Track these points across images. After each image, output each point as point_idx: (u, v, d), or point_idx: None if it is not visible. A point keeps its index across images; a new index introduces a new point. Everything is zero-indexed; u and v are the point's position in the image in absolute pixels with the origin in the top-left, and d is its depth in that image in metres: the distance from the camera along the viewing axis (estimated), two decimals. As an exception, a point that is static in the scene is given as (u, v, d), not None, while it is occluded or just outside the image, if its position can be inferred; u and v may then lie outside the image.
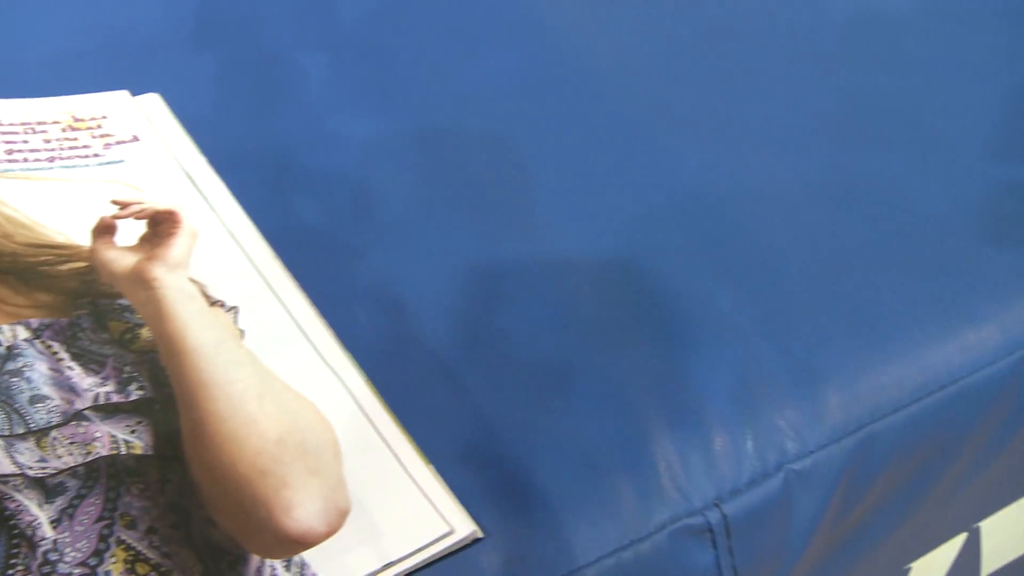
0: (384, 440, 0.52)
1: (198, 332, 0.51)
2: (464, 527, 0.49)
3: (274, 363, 0.54)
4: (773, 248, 0.63)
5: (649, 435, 0.54)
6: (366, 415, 0.53)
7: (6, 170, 0.63)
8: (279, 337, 0.56)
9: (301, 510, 0.46)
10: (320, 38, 0.77)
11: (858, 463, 0.55)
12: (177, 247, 0.55)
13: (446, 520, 0.49)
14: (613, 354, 0.57)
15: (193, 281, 0.55)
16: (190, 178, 0.65)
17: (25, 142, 0.66)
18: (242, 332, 0.56)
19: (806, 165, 0.68)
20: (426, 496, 0.50)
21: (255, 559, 0.46)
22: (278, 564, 0.47)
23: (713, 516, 0.52)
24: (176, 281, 0.54)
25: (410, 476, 0.50)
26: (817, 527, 0.54)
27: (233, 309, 0.57)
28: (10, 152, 0.64)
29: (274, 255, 0.61)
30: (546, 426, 0.53)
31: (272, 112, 0.71)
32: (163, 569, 0.45)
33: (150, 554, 0.46)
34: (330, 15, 0.79)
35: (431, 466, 0.51)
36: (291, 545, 0.46)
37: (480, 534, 0.49)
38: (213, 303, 0.56)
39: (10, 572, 0.44)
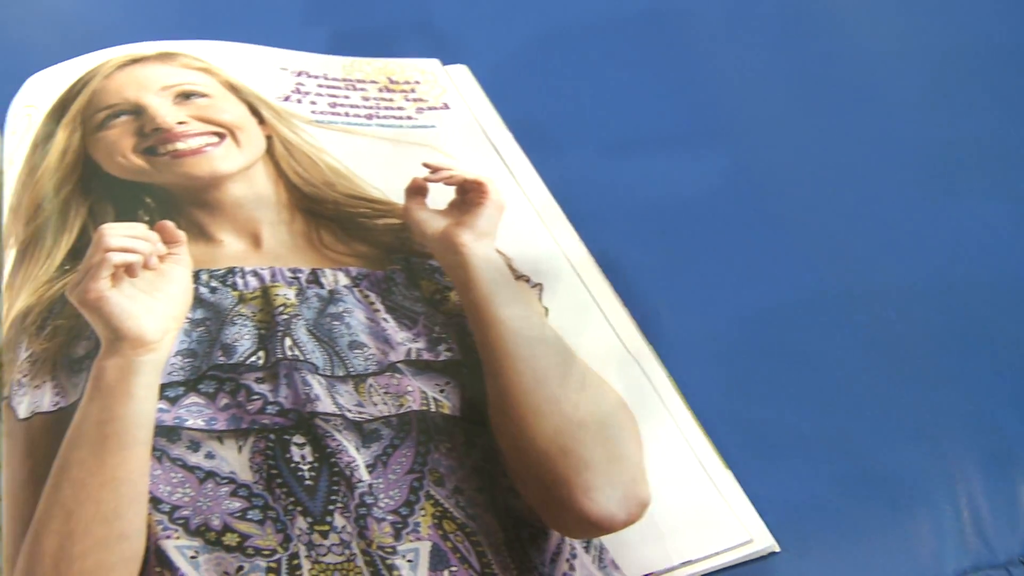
0: (685, 438, 0.51)
1: (504, 304, 0.51)
2: (763, 538, 0.47)
3: (575, 344, 0.53)
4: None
5: (955, 476, 0.51)
6: (668, 410, 0.52)
7: (329, 121, 0.65)
8: (581, 319, 0.56)
9: (601, 494, 0.46)
10: (627, 20, 0.76)
11: None
12: (484, 217, 0.55)
13: (746, 528, 0.48)
14: (923, 387, 0.55)
15: (499, 253, 0.55)
16: (497, 151, 0.65)
17: (346, 97, 0.67)
18: (546, 310, 0.55)
19: None
20: (726, 501, 0.48)
21: (555, 535, 0.46)
22: (578, 544, 0.46)
23: (1017, 573, 0.49)
24: (483, 250, 0.54)
25: (710, 478, 0.49)
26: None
27: (538, 286, 0.57)
28: (332, 105, 0.66)
29: (578, 237, 0.60)
30: (849, 449, 0.52)
31: (577, 91, 0.71)
32: (468, 529, 0.46)
33: (456, 513, 0.46)
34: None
35: (730, 471, 0.50)
36: (590, 527, 0.46)
37: (777, 548, 0.47)
38: (518, 277, 0.56)
39: (330, 507, 0.44)
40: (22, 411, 0.48)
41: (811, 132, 0.70)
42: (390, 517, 0.45)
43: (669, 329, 0.56)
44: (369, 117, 0.66)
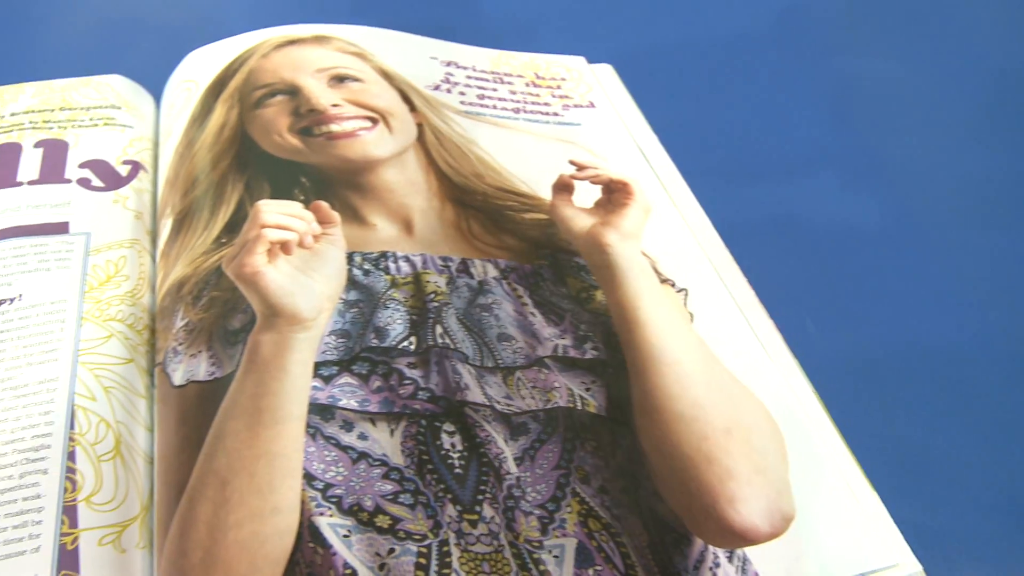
0: (830, 455, 0.50)
1: (649, 306, 0.51)
2: (909, 563, 0.46)
3: (719, 353, 0.52)
4: None
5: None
6: (813, 425, 0.51)
7: (477, 113, 0.65)
8: (726, 327, 0.55)
9: (745, 505, 0.45)
10: (784, 30, 0.75)
11: None
12: (630, 218, 0.55)
13: (891, 551, 0.46)
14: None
15: (645, 255, 0.54)
16: (642, 152, 0.65)
17: (494, 90, 0.68)
18: (691, 315, 0.55)
19: None
20: (871, 522, 0.47)
21: (699, 542, 0.46)
22: (721, 554, 0.46)
23: None
24: (628, 251, 0.53)
25: (855, 498, 0.48)
26: None
27: (683, 291, 0.56)
28: (481, 97, 0.66)
29: (723, 243, 0.60)
30: (1002, 479, 0.50)
31: (725, 98, 0.70)
32: (613, 530, 0.45)
33: (601, 512, 0.46)
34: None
35: (876, 492, 0.48)
36: (733, 538, 0.45)
37: (924, 575, 0.46)
38: (663, 281, 0.56)
39: (479, 497, 0.44)
40: (177, 378, 0.49)
41: (979, 168, 0.68)
42: (537, 511, 0.45)
43: (818, 347, 0.55)
44: (516, 111, 0.66)
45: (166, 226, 0.58)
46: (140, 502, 0.46)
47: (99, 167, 0.63)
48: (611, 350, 0.51)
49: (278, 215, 0.48)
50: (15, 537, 0.44)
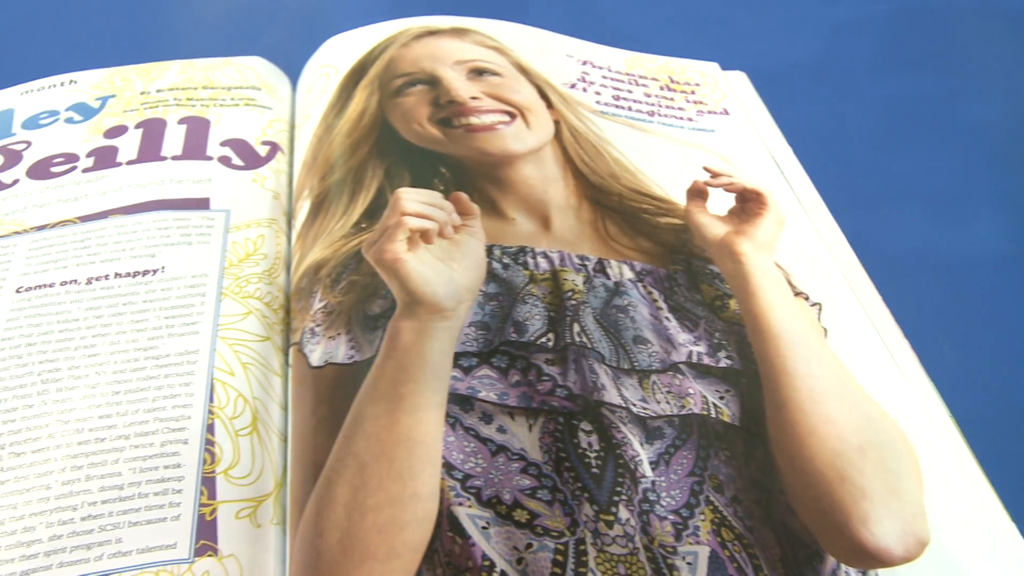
0: (965, 480, 0.49)
1: (783, 318, 0.50)
2: (1046, 594, 0.45)
3: (853, 369, 0.52)
4: None
5: None
6: (948, 449, 0.50)
7: (613, 113, 0.65)
8: (860, 344, 0.54)
9: (879, 527, 0.44)
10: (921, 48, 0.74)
11: None
12: (764, 228, 0.54)
13: (1029, 581, 0.45)
14: None
15: (778, 267, 0.54)
16: (776, 163, 0.64)
17: (629, 92, 0.67)
18: (825, 330, 0.54)
19: None
20: (1007, 549, 0.46)
21: (831, 560, 0.45)
22: (853, 573, 0.45)
23: None
24: (762, 262, 0.53)
25: (992, 525, 0.47)
26: None
27: (816, 305, 0.55)
28: (616, 98, 0.66)
29: (858, 261, 0.59)
30: None
31: (854, 112, 0.69)
32: (745, 541, 0.45)
33: (735, 522, 0.45)
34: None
35: (1013, 520, 0.47)
36: (866, 558, 0.44)
37: (1059, 605, 0.45)
38: (797, 293, 0.55)
39: (615, 498, 0.44)
40: (315, 359, 0.50)
41: None
42: (671, 517, 0.45)
43: (954, 372, 0.54)
44: (651, 114, 0.66)
45: (303, 208, 0.59)
46: (274, 479, 0.47)
47: (239, 146, 0.64)
48: (745, 360, 0.51)
49: (418, 204, 0.48)
50: (156, 504, 0.45)
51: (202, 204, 0.59)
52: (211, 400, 0.49)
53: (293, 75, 0.71)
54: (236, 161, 0.63)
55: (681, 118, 0.65)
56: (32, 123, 0.67)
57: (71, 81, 0.70)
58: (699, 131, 0.65)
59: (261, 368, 0.51)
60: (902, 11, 0.79)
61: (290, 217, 0.60)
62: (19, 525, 0.44)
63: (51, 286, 0.54)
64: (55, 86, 0.70)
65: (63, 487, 0.45)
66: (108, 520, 0.44)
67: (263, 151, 0.64)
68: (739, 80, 0.70)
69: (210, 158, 0.63)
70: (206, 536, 0.44)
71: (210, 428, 0.48)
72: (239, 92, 0.68)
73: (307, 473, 0.46)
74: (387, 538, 0.41)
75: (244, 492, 0.46)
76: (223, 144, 0.64)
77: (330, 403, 0.48)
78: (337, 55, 0.67)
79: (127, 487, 0.45)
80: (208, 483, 0.46)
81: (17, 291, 0.54)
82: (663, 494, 0.45)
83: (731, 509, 0.46)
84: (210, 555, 0.43)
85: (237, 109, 0.67)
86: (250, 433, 0.48)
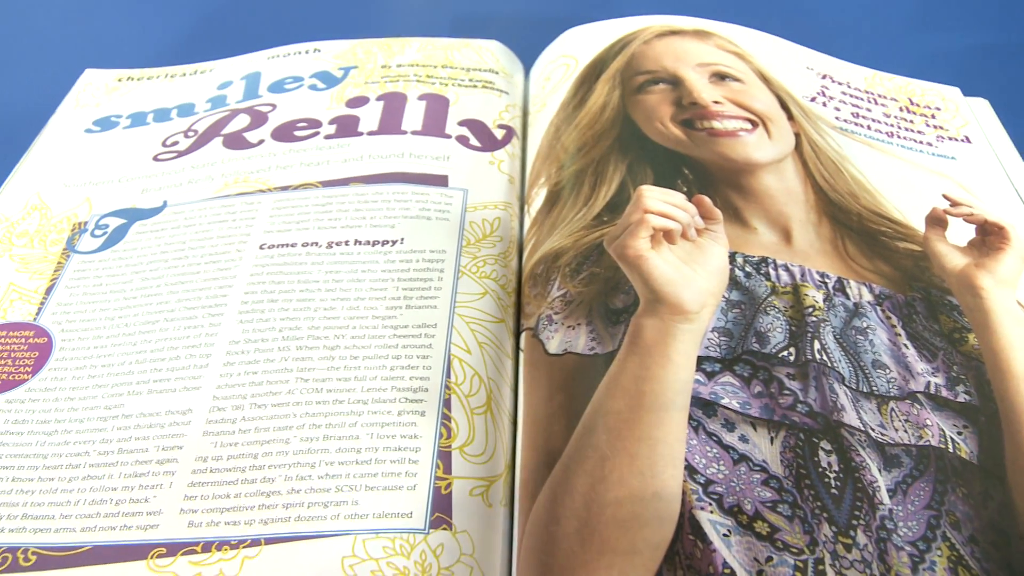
0: None
1: (1023, 358, 0.49)
2: None
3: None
4: None
5: None
6: None
7: (852, 131, 0.64)
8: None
9: None
10: None
11: None
12: (1006, 263, 0.53)
13: None
14: None
15: (1020, 304, 0.52)
16: (1020, 197, 0.62)
17: (868, 110, 0.66)
18: (1067, 375, 0.52)
19: None
20: None
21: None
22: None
23: None
24: (1003, 298, 0.51)
25: None
26: None
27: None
28: (855, 115, 0.65)
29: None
30: None
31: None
32: (982, 584, 0.44)
33: (971, 563, 0.44)
34: None
35: None
36: None
37: None
38: (1039, 334, 0.53)
39: (854, 522, 0.44)
40: (552, 346, 0.51)
41: None
42: (908, 548, 0.44)
43: None
44: (890, 135, 0.64)
45: (539, 195, 0.59)
46: (504, 460, 0.48)
47: (476, 127, 0.65)
48: (983, 397, 0.49)
49: (662, 203, 0.49)
50: (393, 471, 0.46)
51: (441, 181, 0.60)
52: (448, 375, 0.50)
53: (526, 62, 0.72)
54: (473, 142, 0.64)
55: (921, 142, 0.64)
56: (278, 87, 0.69)
57: (315, 50, 0.72)
58: (939, 157, 0.63)
59: (495, 349, 0.52)
60: None
61: (523, 202, 0.61)
62: (259, 475, 0.46)
63: (292, 246, 0.56)
64: (300, 53, 0.72)
65: (301, 443, 0.47)
66: (345, 482, 0.45)
67: (499, 134, 0.65)
68: (981, 107, 0.68)
69: (448, 136, 0.64)
70: (441, 509, 0.45)
71: (447, 403, 0.49)
72: (477, 74, 0.70)
73: (540, 459, 0.46)
74: (628, 533, 0.42)
75: (478, 471, 0.47)
76: (461, 124, 0.65)
77: (567, 392, 0.48)
78: (577, 46, 0.67)
79: (364, 451, 0.46)
80: (444, 457, 0.47)
81: (260, 247, 0.56)
82: (900, 524, 0.44)
83: (968, 548, 0.45)
84: (444, 528, 0.44)
85: (475, 91, 0.68)
86: (484, 412, 0.49)
